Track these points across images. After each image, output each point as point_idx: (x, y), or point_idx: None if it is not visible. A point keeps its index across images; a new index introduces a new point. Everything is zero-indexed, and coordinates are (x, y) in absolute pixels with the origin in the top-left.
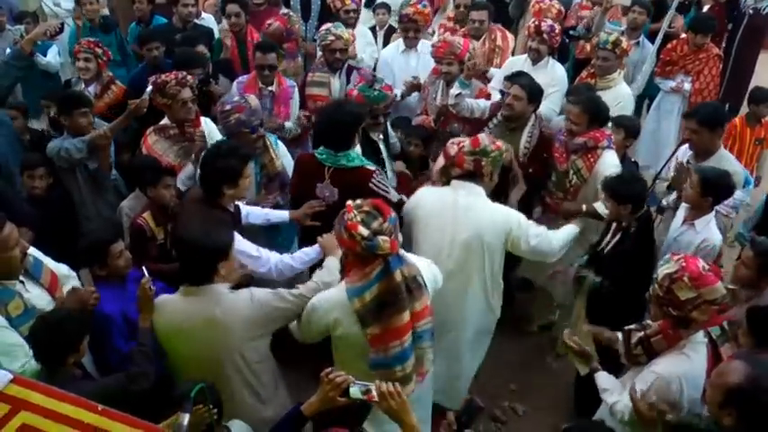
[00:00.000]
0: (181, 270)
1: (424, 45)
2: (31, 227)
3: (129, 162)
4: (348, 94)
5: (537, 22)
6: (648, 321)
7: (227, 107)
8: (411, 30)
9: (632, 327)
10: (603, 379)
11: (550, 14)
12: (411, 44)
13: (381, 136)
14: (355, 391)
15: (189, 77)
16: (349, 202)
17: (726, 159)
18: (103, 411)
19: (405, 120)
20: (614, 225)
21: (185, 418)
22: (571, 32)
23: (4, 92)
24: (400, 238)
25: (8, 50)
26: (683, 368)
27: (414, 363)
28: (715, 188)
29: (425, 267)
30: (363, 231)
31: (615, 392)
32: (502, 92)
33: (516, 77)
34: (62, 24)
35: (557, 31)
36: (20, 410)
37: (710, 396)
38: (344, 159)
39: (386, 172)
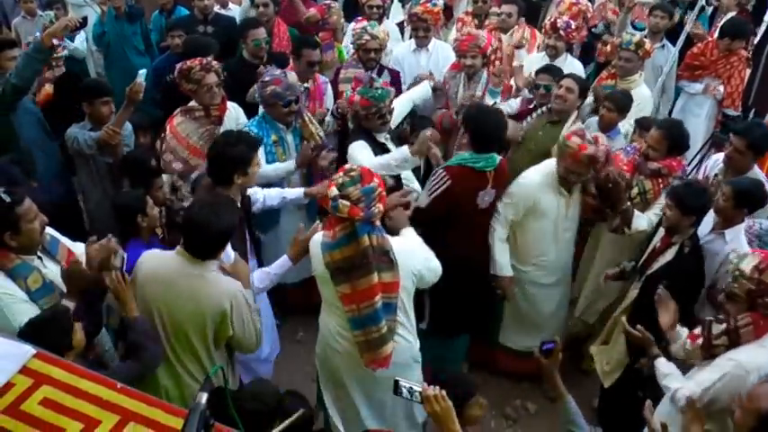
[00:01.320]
0: (186, 246)
1: (436, 44)
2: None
3: (123, 160)
4: (349, 101)
5: (553, 19)
6: (722, 317)
7: (267, 79)
8: (421, 29)
9: (712, 318)
10: (664, 365)
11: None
12: (422, 43)
13: (388, 136)
14: (402, 389)
15: (214, 63)
16: (346, 165)
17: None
18: (122, 389)
19: (421, 119)
20: (660, 239)
21: (203, 397)
22: (593, 30)
23: (27, 83)
24: (377, 208)
25: (37, 35)
26: (764, 360)
27: (386, 328)
28: (749, 199)
29: (411, 254)
30: (332, 192)
31: (678, 379)
32: (534, 87)
33: (547, 71)
34: (84, 18)
35: (573, 26)
36: (42, 384)
37: (741, 419)
38: (494, 158)
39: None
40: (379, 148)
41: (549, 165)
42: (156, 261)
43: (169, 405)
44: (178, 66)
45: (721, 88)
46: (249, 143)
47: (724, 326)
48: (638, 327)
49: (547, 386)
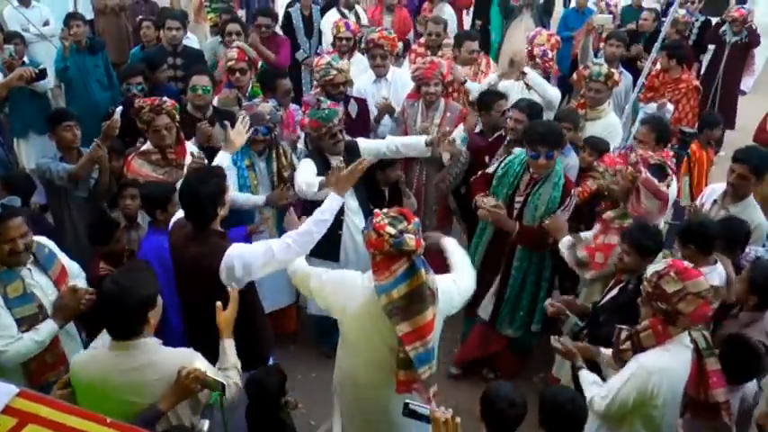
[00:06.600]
0: (105, 325)
1: (395, 73)
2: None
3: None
4: (300, 125)
5: (529, 47)
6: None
7: (244, 104)
8: (378, 56)
9: (623, 327)
10: (586, 375)
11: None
12: (380, 72)
13: (342, 159)
14: (413, 412)
15: (166, 104)
16: (376, 210)
17: (752, 207)
18: (111, 424)
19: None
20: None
21: (205, 425)
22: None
23: None
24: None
25: None
26: (666, 363)
27: None
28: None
29: (445, 284)
30: (391, 230)
31: (594, 388)
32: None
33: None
34: (43, 70)
35: (549, 56)
36: (27, 423)
37: None
38: None
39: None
40: (327, 170)
41: None
42: (97, 367)
43: None
44: (137, 102)
45: (671, 106)
46: (216, 174)
47: (630, 332)
48: (562, 340)
49: None
